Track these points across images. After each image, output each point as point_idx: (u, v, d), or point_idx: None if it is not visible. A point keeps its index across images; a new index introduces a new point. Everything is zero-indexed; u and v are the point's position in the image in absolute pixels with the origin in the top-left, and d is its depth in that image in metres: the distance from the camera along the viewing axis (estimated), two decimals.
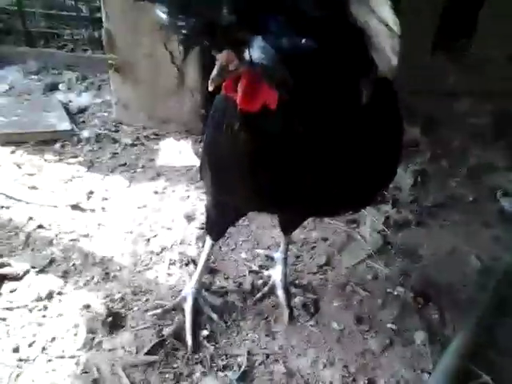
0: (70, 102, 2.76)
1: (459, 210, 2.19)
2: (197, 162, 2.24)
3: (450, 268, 1.84)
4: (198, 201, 2.05)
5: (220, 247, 1.83)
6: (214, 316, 1.54)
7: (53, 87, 2.90)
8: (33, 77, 3.00)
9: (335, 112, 0.79)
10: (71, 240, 1.78)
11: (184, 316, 1.51)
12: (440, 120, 2.76)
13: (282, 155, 0.86)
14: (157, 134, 2.56)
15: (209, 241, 1.57)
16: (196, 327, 1.50)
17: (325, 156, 0.86)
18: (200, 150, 1.73)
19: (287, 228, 1.64)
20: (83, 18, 3.17)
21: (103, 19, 2.34)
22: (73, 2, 3.12)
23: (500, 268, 1.82)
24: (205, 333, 1.49)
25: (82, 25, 3.19)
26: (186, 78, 2.42)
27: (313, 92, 0.74)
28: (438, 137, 2.67)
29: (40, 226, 1.83)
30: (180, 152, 2.39)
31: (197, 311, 1.54)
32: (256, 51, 0.66)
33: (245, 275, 1.73)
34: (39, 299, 1.54)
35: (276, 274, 1.69)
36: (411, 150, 2.51)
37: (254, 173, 0.93)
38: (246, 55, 0.67)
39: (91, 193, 2.03)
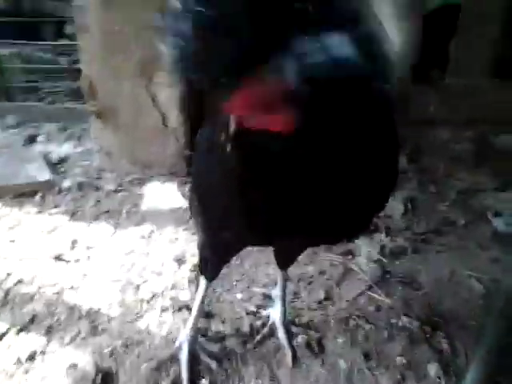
0: (50, 152, 2.71)
1: (453, 234, 2.16)
2: (184, 203, 2.18)
3: (452, 294, 1.78)
4: (187, 243, 1.97)
5: (214, 289, 1.74)
6: (213, 364, 1.43)
7: (32, 139, 2.86)
8: (12, 130, 2.96)
9: (345, 130, 0.75)
10: (54, 293, 1.67)
11: (180, 366, 1.40)
12: (424, 147, 2.79)
13: (280, 176, 0.81)
14: (141, 179, 2.50)
15: (203, 283, 1.49)
16: (194, 378, 1.38)
17: (326, 176, 0.81)
18: (186, 190, 1.69)
19: (283, 262, 1.57)
20: (63, 71, 3.18)
21: (82, 66, 2.33)
22: (51, 56, 3.14)
23: (503, 291, 1.77)
24: (204, 383, 1.38)
25: (62, 77, 3.20)
26: (169, 121, 2.41)
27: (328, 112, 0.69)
28: (423, 163, 2.68)
29: (20, 281, 1.72)
30: (165, 195, 2.34)
31: (194, 360, 1.43)
32: (284, 71, 0.62)
33: (242, 317, 1.63)
34: (20, 362, 1.41)
35: (275, 313, 1.61)
36: (399, 178, 2.50)
37: (249, 197, 0.87)
38: (271, 76, 0.63)
39: (75, 242, 1.94)
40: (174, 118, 2.36)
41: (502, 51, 2.76)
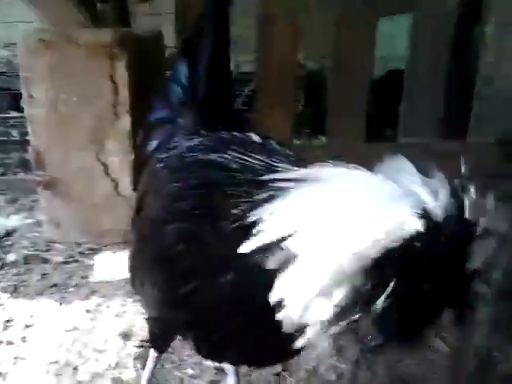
0: None
1: None
2: None
3: (417, 357, 1.69)
4: (135, 315, 1.84)
5: (163, 365, 1.60)
6: None
7: None
8: None
9: None
10: None
11: None
12: None
13: None
14: (92, 249, 2.39)
15: (152, 355, 1.35)
16: None
17: None
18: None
19: None
20: (14, 142, 3.14)
21: (30, 136, 2.29)
22: (2, 128, 3.11)
23: (468, 352, 1.69)
24: None
25: (13, 149, 3.14)
26: (121, 188, 2.35)
27: None
28: None
29: None
30: (116, 265, 2.22)
31: None
32: None
33: None
34: None
35: None
36: None
37: None
38: None
39: (10, 322, 1.78)
40: (127, 185, 2.30)
41: (446, 112, 2.89)
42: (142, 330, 1.75)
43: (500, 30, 2.45)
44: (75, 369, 1.55)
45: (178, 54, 1.43)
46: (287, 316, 0.77)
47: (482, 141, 2.69)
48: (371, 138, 3.02)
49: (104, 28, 2.28)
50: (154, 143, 1.35)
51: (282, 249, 0.77)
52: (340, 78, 2.69)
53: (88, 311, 1.87)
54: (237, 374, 1.49)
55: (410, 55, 2.91)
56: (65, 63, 2.17)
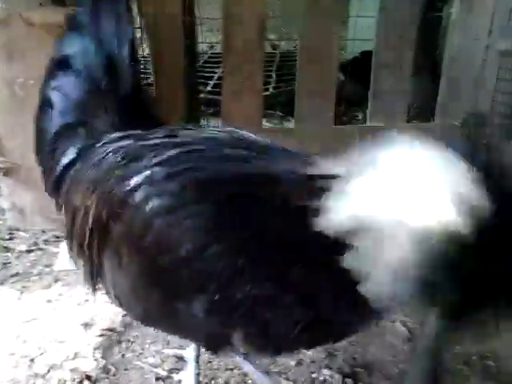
0: None
1: None
2: None
3: (377, 340, 1.71)
4: (98, 304, 1.81)
5: (123, 355, 1.59)
6: None
7: None
8: None
9: None
10: None
11: None
12: None
13: None
14: (58, 237, 2.35)
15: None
16: None
17: None
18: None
19: None
20: None
21: None
22: None
23: (422, 336, 1.72)
24: None
25: None
26: None
27: None
28: None
29: None
30: None
31: None
32: None
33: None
34: None
35: (187, 376, 1.47)
36: None
37: None
38: None
39: None
40: None
41: (413, 97, 2.89)
42: (103, 319, 1.74)
43: (465, 11, 2.43)
44: (32, 360, 1.53)
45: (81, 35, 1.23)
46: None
47: (448, 122, 2.70)
48: (342, 121, 3.01)
49: (61, 7, 2.18)
50: (67, 154, 1.21)
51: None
52: (308, 59, 2.65)
53: (49, 301, 1.84)
54: (197, 361, 1.49)
55: (378, 36, 2.84)
56: (18, 44, 2.08)
